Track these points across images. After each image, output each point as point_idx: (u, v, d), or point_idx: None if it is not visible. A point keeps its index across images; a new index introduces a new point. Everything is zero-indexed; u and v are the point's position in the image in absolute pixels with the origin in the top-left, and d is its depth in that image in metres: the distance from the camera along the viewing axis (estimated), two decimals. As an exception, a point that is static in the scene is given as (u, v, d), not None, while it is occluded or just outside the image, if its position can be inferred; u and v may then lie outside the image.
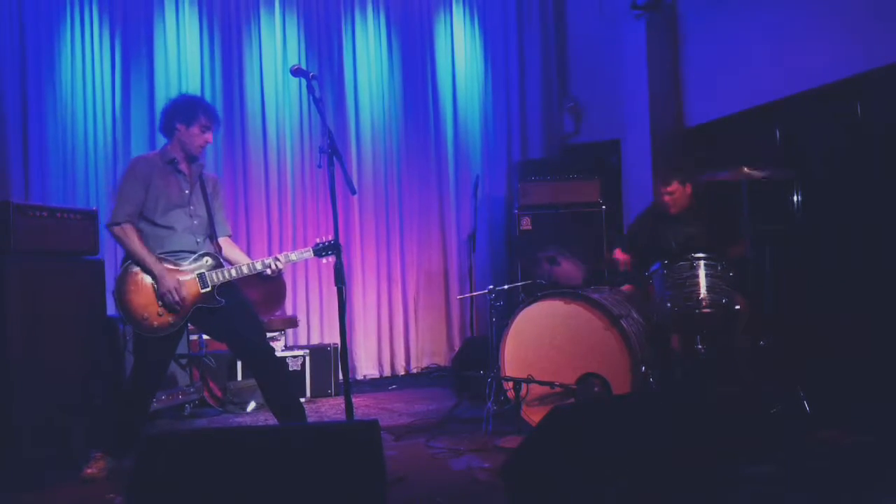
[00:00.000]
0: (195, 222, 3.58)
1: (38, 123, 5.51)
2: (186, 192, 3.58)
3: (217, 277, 3.50)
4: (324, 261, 3.56)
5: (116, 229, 3.46)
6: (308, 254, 3.57)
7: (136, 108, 5.86)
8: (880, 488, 2.99)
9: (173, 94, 5.83)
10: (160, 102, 5.81)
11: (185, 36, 6.03)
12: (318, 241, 3.56)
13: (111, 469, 3.48)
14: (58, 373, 3.90)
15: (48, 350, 3.87)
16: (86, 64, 5.73)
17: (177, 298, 3.39)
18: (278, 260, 3.55)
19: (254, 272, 3.56)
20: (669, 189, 4.50)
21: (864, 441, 3.60)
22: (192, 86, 5.99)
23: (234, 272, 3.53)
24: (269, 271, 3.55)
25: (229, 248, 3.76)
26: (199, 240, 3.58)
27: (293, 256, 3.59)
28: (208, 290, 3.49)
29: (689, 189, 4.52)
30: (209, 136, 3.59)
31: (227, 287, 3.56)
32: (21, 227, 3.85)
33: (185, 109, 3.55)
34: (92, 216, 4.28)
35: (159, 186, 3.51)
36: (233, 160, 6.16)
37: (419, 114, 6.86)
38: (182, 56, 6.00)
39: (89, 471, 3.44)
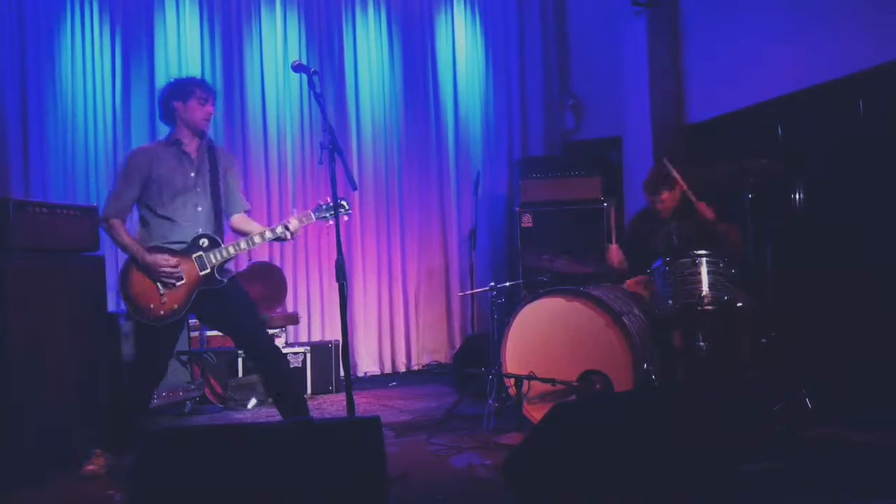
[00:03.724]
0: (199, 209, 3.54)
1: (38, 120, 5.50)
2: (192, 174, 3.54)
3: (215, 258, 3.48)
4: (330, 221, 3.42)
5: (104, 225, 3.49)
6: (309, 218, 3.52)
7: (136, 105, 5.85)
8: (881, 488, 2.99)
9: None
10: (160, 99, 5.86)
11: (185, 32, 6.02)
12: (319, 202, 3.52)
13: (111, 466, 3.48)
14: (58, 370, 3.89)
15: (48, 347, 3.86)
16: (86, 60, 5.73)
17: (169, 269, 3.37)
18: (273, 230, 3.51)
19: (252, 247, 3.55)
20: (662, 198, 4.49)
21: (867, 439, 3.59)
22: (193, 82, 5.98)
23: (231, 249, 3.50)
24: (262, 240, 3.53)
25: (244, 223, 3.72)
26: (200, 229, 3.54)
27: (293, 223, 3.52)
28: (207, 271, 3.47)
29: (678, 192, 4.51)
30: (209, 107, 3.56)
31: (228, 275, 3.55)
32: (21, 223, 3.83)
33: (179, 87, 3.54)
34: (92, 212, 4.27)
35: (162, 174, 3.48)
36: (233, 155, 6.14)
37: (420, 110, 6.85)
38: (182, 52, 5.99)
39: (90, 467, 3.44)
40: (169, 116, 3.59)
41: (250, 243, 3.53)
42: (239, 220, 3.74)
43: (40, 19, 5.56)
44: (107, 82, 5.79)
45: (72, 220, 4.13)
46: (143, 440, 2.14)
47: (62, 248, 4.09)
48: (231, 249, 3.51)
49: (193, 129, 3.56)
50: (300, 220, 3.55)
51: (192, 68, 5.99)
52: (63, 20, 5.68)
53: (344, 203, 3.38)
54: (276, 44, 6.34)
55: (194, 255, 3.47)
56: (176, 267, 3.41)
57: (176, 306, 3.43)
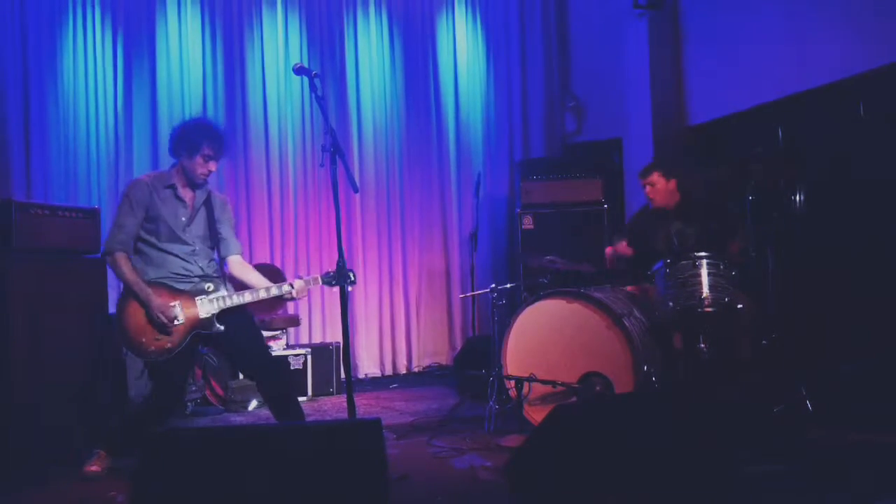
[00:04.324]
0: (196, 248, 3.53)
1: (39, 122, 5.51)
2: (183, 219, 3.52)
3: (217, 304, 3.47)
4: (335, 288, 3.40)
5: (108, 259, 3.46)
6: (316, 282, 3.51)
7: (137, 107, 5.86)
8: (880, 488, 2.99)
9: (175, 92, 5.89)
10: (162, 101, 5.87)
11: (186, 35, 6.03)
12: (328, 270, 3.49)
13: (112, 467, 3.48)
14: (60, 371, 3.90)
15: (50, 348, 3.87)
16: (88, 63, 5.74)
17: (164, 320, 3.36)
18: (280, 288, 3.49)
19: (256, 300, 3.50)
20: (650, 180, 4.48)
21: (867, 440, 3.60)
22: (195, 84, 5.99)
23: (235, 299, 3.48)
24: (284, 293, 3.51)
25: (241, 269, 3.66)
26: (201, 265, 3.54)
27: (298, 285, 3.52)
28: (207, 317, 3.46)
29: (673, 184, 4.49)
30: (212, 165, 3.52)
31: (228, 309, 3.52)
32: (23, 225, 3.85)
33: (189, 138, 3.49)
34: (94, 215, 4.28)
35: (158, 212, 3.47)
36: (235, 159, 6.15)
37: (421, 112, 6.86)
38: (184, 55, 6.00)
39: (91, 468, 3.44)
40: (173, 155, 3.57)
41: (254, 296, 3.50)
42: (235, 263, 3.68)
43: (42, 20, 5.57)
44: (108, 84, 5.80)
45: (73, 221, 4.15)
46: (145, 441, 2.15)
47: (64, 250, 4.10)
48: (235, 298, 3.49)
49: (190, 182, 3.55)
50: (306, 283, 3.53)
51: (194, 71, 6.01)
52: (65, 21, 5.68)
53: (351, 273, 3.38)
54: (278, 46, 6.35)
55: (197, 298, 3.46)
56: (173, 321, 3.39)
57: (169, 345, 3.40)
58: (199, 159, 3.49)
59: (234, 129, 6.13)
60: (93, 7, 5.77)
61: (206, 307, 3.45)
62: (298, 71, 3.22)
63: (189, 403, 4.93)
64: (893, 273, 4.41)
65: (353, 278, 3.35)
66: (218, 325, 3.47)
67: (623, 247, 4.66)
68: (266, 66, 6.30)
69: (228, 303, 3.48)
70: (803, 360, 4.25)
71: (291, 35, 6.41)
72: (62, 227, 4.07)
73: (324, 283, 3.48)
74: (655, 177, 4.47)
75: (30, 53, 5.50)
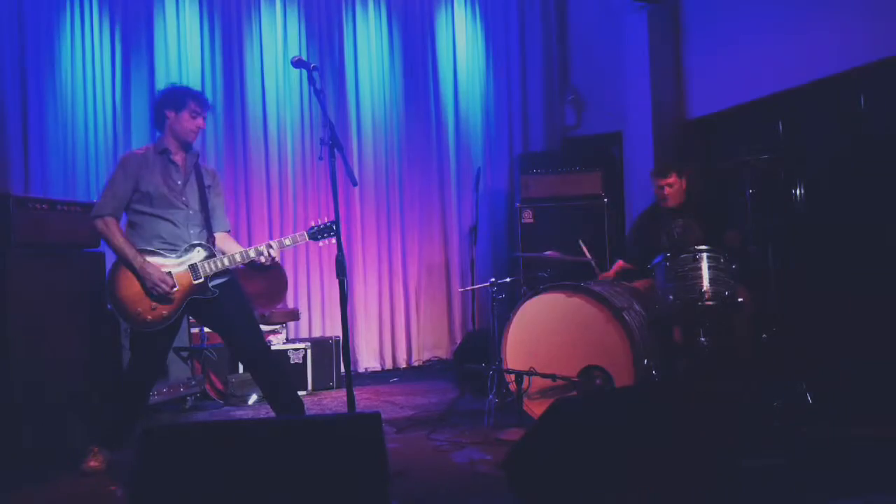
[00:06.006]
0: (190, 212, 3.54)
1: (38, 116, 5.49)
2: (179, 182, 3.54)
3: (209, 268, 3.47)
4: (321, 244, 3.52)
5: (98, 222, 3.44)
6: (303, 238, 3.52)
7: (136, 101, 5.84)
8: (880, 485, 2.98)
9: (174, 86, 5.87)
10: (160, 95, 5.85)
11: (185, 28, 6.01)
12: (313, 223, 3.53)
13: (112, 461, 3.48)
14: (59, 366, 3.90)
15: (49, 343, 3.87)
16: (86, 57, 5.72)
17: (166, 289, 3.36)
18: (271, 247, 3.49)
19: (247, 260, 3.51)
20: (668, 181, 4.52)
21: (866, 434, 3.60)
22: (193, 78, 5.97)
23: (226, 261, 3.49)
24: (262, 259, 3.49)
25: (226, 242, 3.68)
26: (192, 231, 3.54)
27: (287, 241, 3.54)
28: (201, 280, 3.45)
29: (684, 182, 4.55)
30: (200, 120, 3.56)
31: (224, 280, 3.52)
32: (21, 219, 3.84)
33: (174, 97, 3.54)
34: (92, 209, 4.27)
35: (150, 178, 3.47)
36: (233, 152, 6.15)
37: (420, 106, 6.84)
38: (182, 48, 5.98)
39: (91, 464, 3.44)
40: (160, 123, 3.59)
41: (245, 257, 3.51)
42: (220, 238, 3.68)
43: (40, 16, 5.54)
44: (107, 79, 5.78)
45: (72, 216, 4.14)
46: (144, 436, 2.14)
47: (63, 244, 4.10)
48: (226, 261, 3.50)
49: (180, 141, 3.56)
50: (294, 240, 3.55)
51: (192, 65, 5.99)
52: (63, 17, 5.66)
53: (332, 225, 3.39)
54: (277, 40, 6.33)
55: (188, 264, 3.46)
56: (172, 287, 3.39)
57: (165, 313, 3.40)
58: (186, 115, 3.52)
59: (232, 122, 6.13)
60: (90, 2, 5.75)
61: (198, 272, 3.45)
62: (297, 64, 3.21)
63: (189, 398, 4.93)
64: (892, 267, 4.40)
65: (335, 228, 3.35)
66: (213, 289, 3.47)
67: (619, 265, 4.77)
68: (265, 59, 6.28)
69: (220, 265, 3.48)
70: (803, 354, 4.24)
71: (290, 29, 6.39)
72: (61, 221, 4.06)
73: (310, 237, 3.51)
74: (674, 178, 4.51)
75: (28, 48, 5.48)
